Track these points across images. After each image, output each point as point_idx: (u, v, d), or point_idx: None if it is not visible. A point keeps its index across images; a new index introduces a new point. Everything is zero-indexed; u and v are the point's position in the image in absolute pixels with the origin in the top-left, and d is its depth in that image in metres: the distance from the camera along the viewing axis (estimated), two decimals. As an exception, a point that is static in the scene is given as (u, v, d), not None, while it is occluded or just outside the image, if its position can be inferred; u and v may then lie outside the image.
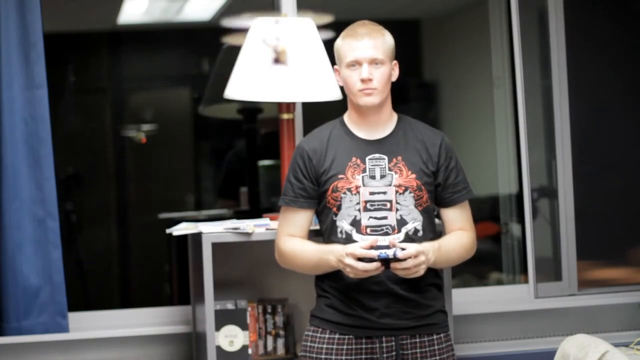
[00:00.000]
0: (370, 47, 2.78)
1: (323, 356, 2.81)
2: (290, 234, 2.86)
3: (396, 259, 2.63)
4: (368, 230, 2.79)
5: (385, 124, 2.87)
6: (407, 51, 4.55)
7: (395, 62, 2.86)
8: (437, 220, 2.94)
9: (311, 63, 3.22)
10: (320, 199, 2.86)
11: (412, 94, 4.78)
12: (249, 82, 3.22)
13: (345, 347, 2.80)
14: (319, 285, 2.89)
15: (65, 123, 4.36)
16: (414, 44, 4.81)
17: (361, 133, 2.87)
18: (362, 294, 2.79)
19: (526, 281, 3.78)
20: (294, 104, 3.35)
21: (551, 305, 3.70)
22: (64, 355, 3.37)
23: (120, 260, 4.63)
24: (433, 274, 2.85)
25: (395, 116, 2.91)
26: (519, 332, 3.66)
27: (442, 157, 2.86)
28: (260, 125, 4.38)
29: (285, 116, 3.33)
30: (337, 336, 2.81)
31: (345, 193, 2.80)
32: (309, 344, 2.85)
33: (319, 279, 2.89)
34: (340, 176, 2.82)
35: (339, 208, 2.82)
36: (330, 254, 2.74)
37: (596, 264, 3.96)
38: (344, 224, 2.81)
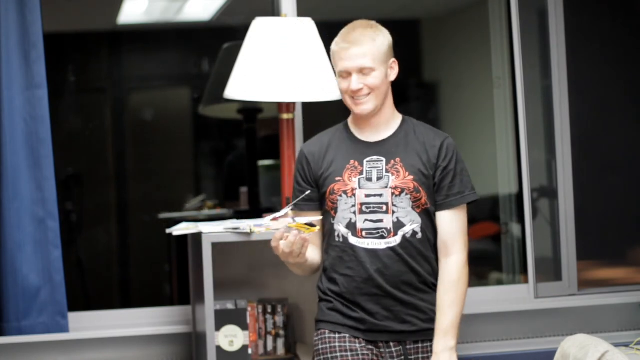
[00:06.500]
0: (357, 57, 2.74)
1: (338, 354, 2.77)
2: None
3: None
4: (364, 233, 2.77)
5: (387, 125, 2.85)
6: (407, 51, 4.55)
7: (393, 60, 2.82)
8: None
9: (311, 63, 3.22)
10: (322, 203, 2.86)
11: (412, 94, 4.79)
12: (249, 82, 3.22)
13: (358, 345, 2.77)
14: (320, 289, 2.88)
15: (65, 123, 4.36)
16: (414, 44, 4.81)
17: (363, 135, 2.85)
18: (361, 297, 2.77)
19: (526, 281, 3.78)
20: (294, 104, 3.35)
21: (551, 305, 3.70)
22: (64, 355, 3.37)
23: (120, 260, 4.63)
24: (428, 271, 2.82)
25: (399, 118, 2.88)
26: (519, 332, 3.66)
27: (440, 158, 2.81)
28: (260, 127, 4.39)
29: (285, 116, 3.32)
30: (348, 336, 2.79)
31: (341, 195, 2.79)
32: (320, 346, 2.81)
33: (320, 280, 2.88)
34: (337, 179, 2.80)
35: (335, 211, 2.80)
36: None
37: (596, 264, 3.96)
38: (340, 227, 2.80)
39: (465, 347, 3.61)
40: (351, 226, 2.78)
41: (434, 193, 2.81)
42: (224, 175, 4.66)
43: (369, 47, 2.74)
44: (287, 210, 2.84)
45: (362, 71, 2.74)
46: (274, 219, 2.86)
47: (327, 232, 2.84)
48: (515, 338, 3.66)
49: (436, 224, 2.82)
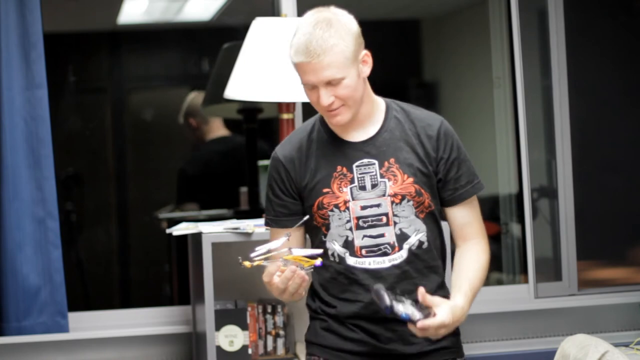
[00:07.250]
0: (322, 70, 2.30)
1: None
2: None
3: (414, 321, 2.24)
4: (363, 251, 2.39)
5: (371, 119, 2.43)
6: (407, 51, 4.55)
7: (364, 53, 2.37)
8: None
9: (311, 63, 3.22)
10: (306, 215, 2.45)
11: (412, 94, 4.78)
12: (249, 82, 3.22)
13: None
14: (310, 306, 2.54)
15: (65, 123, 4.36)
16: (414, 44, 4.80)
17: (345, 134, 2.43)
18: (362, 320, 2.44)
19: (526, 281, 3.78)
20: (293, 104, 3.34)
21: (551, 305, 3.70)
22: (64, 355, 3.37)
23: (120, 260, 4.62)
24: (437, 283, 2.47)
25: (381, 106, 2.46)
26: (519, 332, 3.66)
27: (440, 149, 2.42)
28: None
29: (285, 116, 3.32)
30: None
31: (332, 210, 2.39)
32: None
33: (310, 298, 2.53)
34: (324, 190, 2.39)
35: (327, 227, 2.41)
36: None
37: (596, 264, 3.96)
38: (335, 245, 2.41)
39: (465, 347, 3.59)
40: (348, 245, 2.39)
41: (437, 190, 2.45)
42: (178, 185, 4.55)
43: (333, 55, 2.30)
44: (283, 240, 2.31)
45: (330, 83, 2.32)
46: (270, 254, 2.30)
47: (316, 247, 2.43)
48: (515, 338, 3.66)
49: (450, 221, 2.49)
